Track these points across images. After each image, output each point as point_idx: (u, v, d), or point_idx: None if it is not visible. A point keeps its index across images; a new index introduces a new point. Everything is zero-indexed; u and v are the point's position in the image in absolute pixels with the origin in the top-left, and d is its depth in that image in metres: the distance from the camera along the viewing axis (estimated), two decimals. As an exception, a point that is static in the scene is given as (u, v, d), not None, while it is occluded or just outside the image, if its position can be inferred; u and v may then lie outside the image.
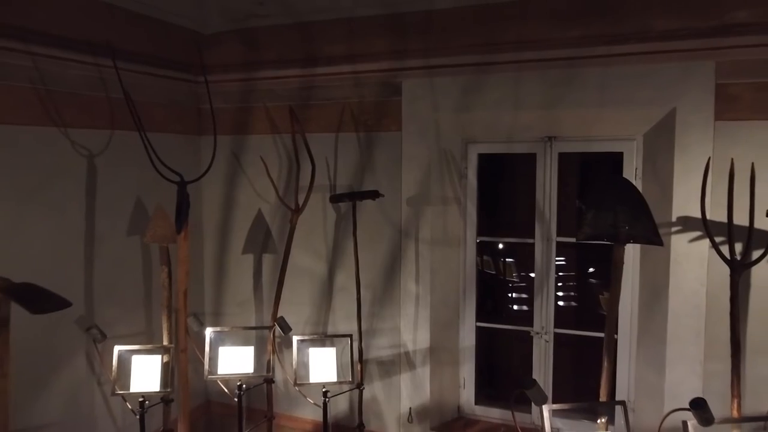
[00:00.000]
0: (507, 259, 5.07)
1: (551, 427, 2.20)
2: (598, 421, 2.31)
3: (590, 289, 4.71)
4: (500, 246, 4.89)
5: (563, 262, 4.58)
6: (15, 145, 2.79)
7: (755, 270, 2.81)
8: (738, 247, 2.48)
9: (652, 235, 2.21)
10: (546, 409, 2.17)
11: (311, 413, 3.79)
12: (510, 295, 5.06)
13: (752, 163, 2.39)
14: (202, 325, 3.71)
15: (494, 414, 3.61)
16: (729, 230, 2.30)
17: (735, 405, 2.25)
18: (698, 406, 2.03)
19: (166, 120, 3.71)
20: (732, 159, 2.50)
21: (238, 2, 3.36)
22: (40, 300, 1.85)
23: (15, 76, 2.77)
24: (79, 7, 3.00)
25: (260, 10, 3.42)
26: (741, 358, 2.37)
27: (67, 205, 3.09)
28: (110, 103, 3.27)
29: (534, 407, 3.33)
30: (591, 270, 4.80)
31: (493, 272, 4.99)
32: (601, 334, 2.54)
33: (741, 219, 2.51)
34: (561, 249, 3.71)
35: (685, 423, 2.04)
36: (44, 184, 2.94)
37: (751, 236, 2.28)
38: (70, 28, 2.97)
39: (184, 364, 2.84)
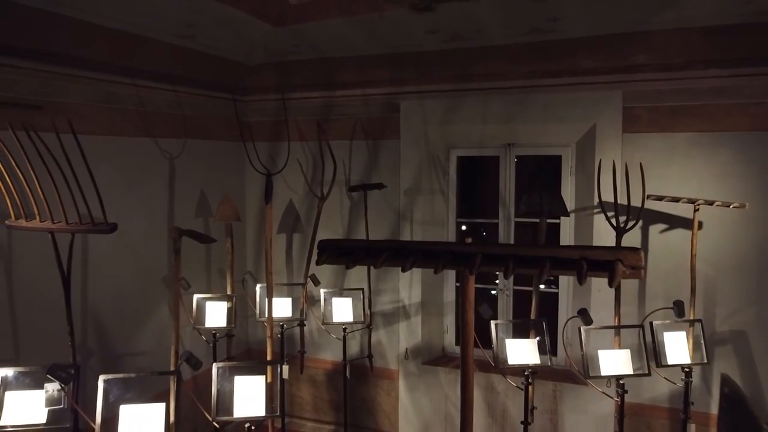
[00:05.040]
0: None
1: (498, 337, 3.34)
2: (531, 337, 3.44)
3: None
4: (484, 233, 6.01)
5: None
6: (123, 150, 3.90)
7: (652, 240, 3.95)
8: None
9: (563, 210, 3.35)
10: (493, 323, 3.31)
11: (331, 355, 4.93)
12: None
13: (625, 163, 3.53)
14: (255, 281, 4.84)
15: (470, 353, 4.71)
16: (615, 208, 3.43)
17: (617, 320, 3.39)
18: (582, 312, 3.18)
19: (219, 130, 4.84)
20: (614, 161, 3.63)
21: (277, 43, 4.45)
22: (200, 237, 2.99)
23: (124, 102, 3.90)
24: (164, 49, 4.10)
25: (294, 49, 4.52)
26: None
27: (156, 194, 4.21)
28: (184, 119, 4.40)
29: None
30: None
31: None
32: (549, 290, 3.68)
33: (636, 201, 3.63)
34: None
35: (579, 329, 3.18)
36: (141, 178, 4.06)
37: (629, 212, 3.42)
38: (159, 65, 4.10)
39: (271, 282, 3.99)
